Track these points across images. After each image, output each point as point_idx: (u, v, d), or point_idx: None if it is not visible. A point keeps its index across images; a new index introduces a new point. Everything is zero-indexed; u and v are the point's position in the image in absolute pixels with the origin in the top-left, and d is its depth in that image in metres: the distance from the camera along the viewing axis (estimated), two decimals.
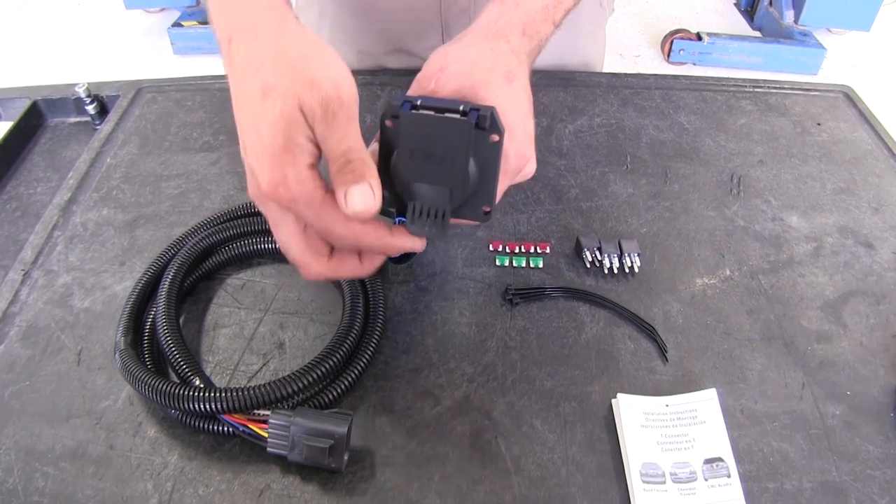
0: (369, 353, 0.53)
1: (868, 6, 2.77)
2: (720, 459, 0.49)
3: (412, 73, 0.55)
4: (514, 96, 0.51)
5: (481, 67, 0.51)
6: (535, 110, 0.80)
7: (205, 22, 2.91)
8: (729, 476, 0.48)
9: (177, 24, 2.90)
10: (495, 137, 0.45)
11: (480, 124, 0.44)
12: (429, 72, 0.53)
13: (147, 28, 3.10)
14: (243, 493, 0.47)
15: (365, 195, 0.43)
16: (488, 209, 0.48)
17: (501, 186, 0.50)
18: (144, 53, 2.95)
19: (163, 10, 3.14)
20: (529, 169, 0.53)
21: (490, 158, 0.46)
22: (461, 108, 0.45)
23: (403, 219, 0.58)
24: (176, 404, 0.47)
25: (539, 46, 0.59)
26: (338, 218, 0.44)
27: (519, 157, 0.51)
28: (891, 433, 0.51)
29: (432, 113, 0.44)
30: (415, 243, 0.50)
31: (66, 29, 3.09)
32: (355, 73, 0.86)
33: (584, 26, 0.92)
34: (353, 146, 0.43)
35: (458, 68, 0.52)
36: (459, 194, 0.46)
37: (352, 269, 0.49)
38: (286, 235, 0.46)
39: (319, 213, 0.44)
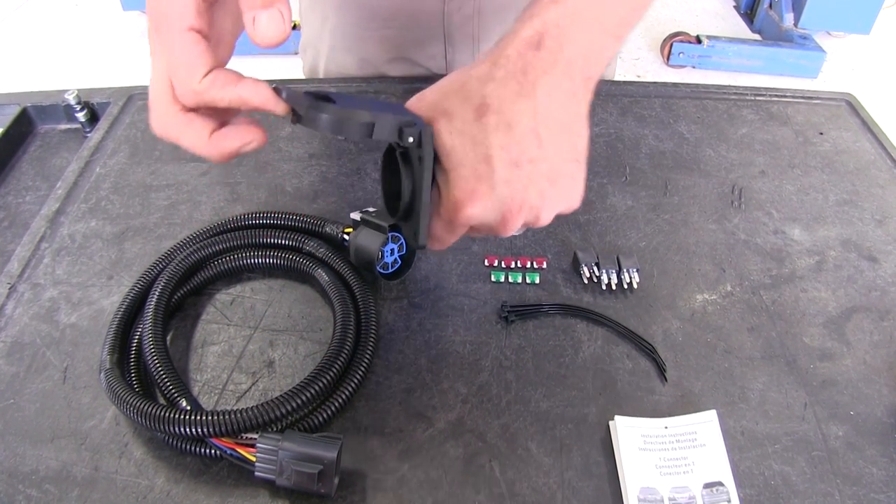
0: (360, 373, 0.52)
1: (868, 9, 2.76)
2: (720, 483, 0.48)
3: (412, 81, 0.54)
4: (476, 134, 0.44)
5: (456, 97, 0.45)
6: None
7: None
8: (729, 501, 0.47)
9: None
10: (421, 159, 0.43)
11: (403, 136, 0.43)
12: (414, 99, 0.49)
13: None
14: None
15: (274, 19, 0.40)
16: (417, 236, 0.46)
17: (436, 226, 0.47)
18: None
19: None
20: (481, 217, 0.45)
21: (418, 181, 0.44)
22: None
23: (396, 233, 0.57)
24: (162, 427, 0.46)
25: (584, 58, 0.46)
26: (183, 59, 0.42)
27: (454, 206, 0.45)
28: (895, 455, 0.50)
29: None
30: (266, 101, 0.44)
31: (64, 29, 3.08)
32: (355, 80, 0.86)
33: None
34: None
35: (433, 97, 0.47)
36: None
37: (194, 133, 0.45)
38: (155, 70, 0.44)
39: (173, 44, 0.42)
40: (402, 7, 0.82)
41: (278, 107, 0.44)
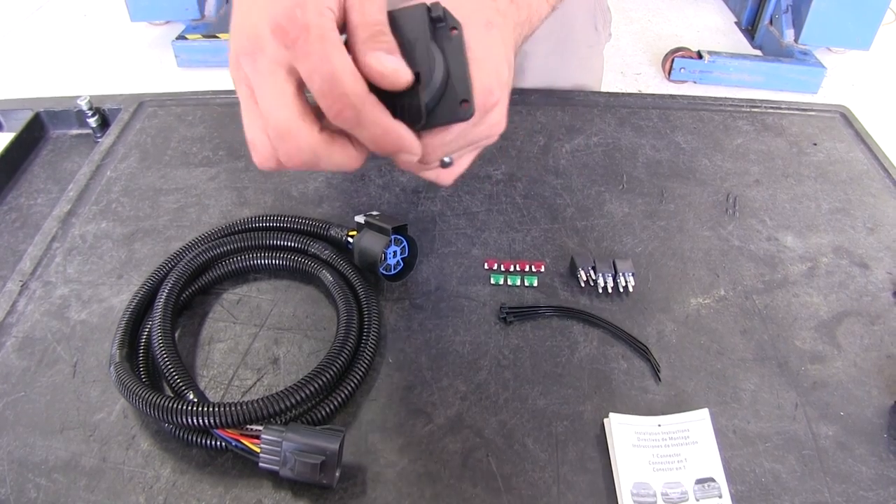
0: (362, 370, 0.54)
1: (867, 25, 2.79)
2: (712, 480, 0.49)
3: None
4: (491, 41, 0.46)
5: (461, 12, 0.46)
6: (532, 129, 0.82)
7: (209, 35, 2.94)
8: (720, 496, 0.48)
9: (181, 37, 2.92)
10: (454, 31, 0.44)
11: (434, 12, 0.43)
12: None
13: (152, 40, 3.13)
14: None
15: (399, 64, 0.39)
16: (466, 101, 0.45)
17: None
18: (149, 65, 2.97)
19: (168, 22, 3.17)
20: (496, 118, 0.47)
21: (455, 51, 0.44)
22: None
23: (399, 236, 0.58)
24: (169, 418, 0.47)
25: (530, 23, 0.54)
26: (349, 66, 0.38)
27: (485, 92, 0.45)
28: (884, 454, 0.52)
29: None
30: (411, 144, 0.42)
31: (73, 40, 3.11)
32: None
33: (578, 50, 0.92)
34: (383, 21, 0.40)
35: None
36: (430, 84, 0.44)
37: (343, 151, 0.42)
38: (275, 92, 0.39)
39: (331, 54, 0.37)
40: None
41: None
